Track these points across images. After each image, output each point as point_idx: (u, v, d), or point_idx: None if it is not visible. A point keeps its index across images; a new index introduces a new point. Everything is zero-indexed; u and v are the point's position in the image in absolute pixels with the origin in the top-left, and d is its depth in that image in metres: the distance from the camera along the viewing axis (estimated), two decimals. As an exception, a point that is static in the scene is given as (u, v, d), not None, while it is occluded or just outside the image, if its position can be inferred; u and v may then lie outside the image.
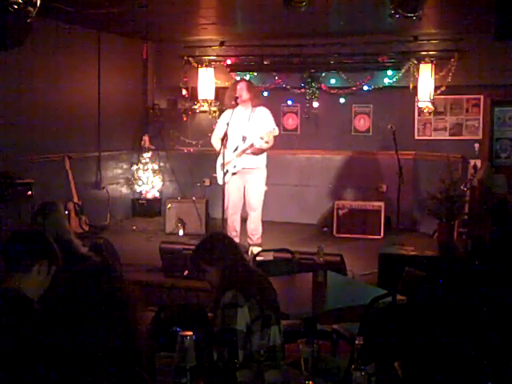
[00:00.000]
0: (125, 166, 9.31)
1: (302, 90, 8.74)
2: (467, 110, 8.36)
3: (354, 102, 8.80)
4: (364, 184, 8.74)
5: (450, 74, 7.96)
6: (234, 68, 8.89)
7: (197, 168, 9.17)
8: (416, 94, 8.13)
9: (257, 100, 6.88)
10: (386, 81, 8.38)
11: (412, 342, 2.88)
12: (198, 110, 9.16)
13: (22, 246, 2.69)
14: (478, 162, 7.75)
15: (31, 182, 6.55)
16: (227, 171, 6.55)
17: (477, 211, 5.91)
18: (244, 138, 6.68)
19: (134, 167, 9.38)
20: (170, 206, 8.26)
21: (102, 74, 8.49)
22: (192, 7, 6.96)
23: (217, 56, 8.95)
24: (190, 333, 2.20)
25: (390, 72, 8.34)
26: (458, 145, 8.24)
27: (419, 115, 8.48)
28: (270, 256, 5.06)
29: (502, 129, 8.56)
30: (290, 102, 9.05)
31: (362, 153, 8.81)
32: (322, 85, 8.67)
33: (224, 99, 7.11)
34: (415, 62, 8.11)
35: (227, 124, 6.32)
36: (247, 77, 8.51)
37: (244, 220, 6.96)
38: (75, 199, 7.74)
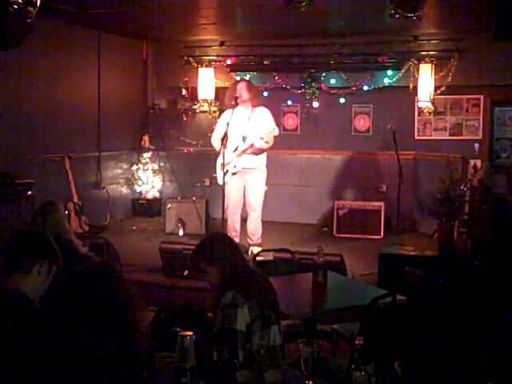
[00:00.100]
0: (125, 166, 9.31)
1: (302, 90, 8.74)
2: (467, 110, 8.36)
3: (354, 102, 8.80)
4: (364, 184, 8.74)
5: (450, 74, 7.96)
6: (234, 68, 8.89)
7: (197, 168, 9.17)
8: (416, 94, 8.13)
9: (257, 100, 6.88)
10: (386, 81, 8.38)
11: (412, 342, 2.88)
12: (198, 110, 9.16)
13: (23, 246, 2.69)
14: (478, 162, 7.74)
15: (31, 182, 6.55)
16: (227, 171, 6.55)
17: (477, 211, 5.91)
18: (244, 138, 6.68)
19: (134, 167, 9.38)
20: (169, 205, 8.26)
21: (101, 74, 8.48)
22: (192, 7, 6.96)
23: (217, 56, 8.95)
24: (190, 333, 2.20)
25: (390, 72, 8.34)
26: (458, 145, 8.24)
27: (419, 115, 8.48)
28: (270, 256, 5.06)
29: (502, 129, 8.56)
30: (290, 102, 9.05)
31: (362, 153, 8.81)
32: (322, 85, 8.67)
33: (224, 99, 7.11)
34: (415, 61, 8.11)
35: (227, 124, 6.32)
36: (247, 77, 8.51)
37: (244, 220, 6.96)
38: (75, 199, 7.74)
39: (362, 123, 8.88)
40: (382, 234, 8.09)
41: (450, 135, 8.43)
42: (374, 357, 2.39)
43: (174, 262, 6.03)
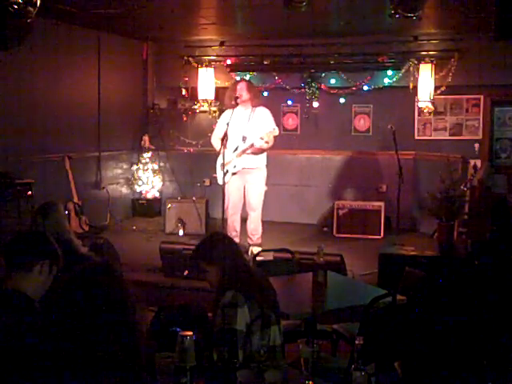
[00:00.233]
0: (125, 166, 9.31)
1: (302, 90, 8.75)
2: (467, 110, 8.36)
3: (354, 102, 8.80)
4: (364, 184, 8.74)
5: (450, 74, 7.97)
6: (234, 68, 8.89)
7: (197, 168, 9.17)
8: (416, 94, 8.14)
9: (257, 100, 6.87)
10: (386, 81, 8.38)
11: (412, 342, 2.88)
12: (198, 110, 9.16)
13: (24, 246, 2.69)
14: (478, 162, 7.75)
15: (31, 182, 6.55)
16: (227, 171, 6.55)
17: (477, 211, 5.92)
18: (244, 138, 6.68)
19: (134, 167, 9.38)
20: (169, 205, 8.26)
21: (102, 74, 8.48)
22: (192, 7, 6.96)
23: (217, 56, 8.95)
24: (190, 333, 2.20)
25: (390, 72, 8.35)
26: (458, 145, 8.25)
27: (419, 115, 8.48)
28: (270, 256, 5.06)
29: (502, 129, 8.57)
30: (290, 102, 9.05)
31: (362, 153, 8.81)
32: (322, 85, 8.67)
33: (224, 99, 7.11)
34: (415, 62, 8.12)
35: (227, 124, 6.32)
36: (247, 77, 8.51)
37: (244, 220, 6.96)
38: (75, 199, 7.74)
39: (361, 123, 8.88)
40: (382, 234, 8.09)
41: (450, 135, 8.43)
42: (374, 357, 2.39)
43: (173, 261, 6.03)
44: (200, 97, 8.89)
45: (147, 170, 9.34)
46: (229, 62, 8.89)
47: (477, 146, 8.27)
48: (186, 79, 9.04)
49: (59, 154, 7.70)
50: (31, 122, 7.13)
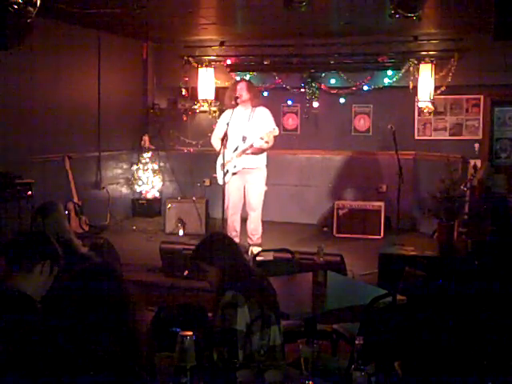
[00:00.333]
0: (125, 166, 9.31)
1: (302, 90, 8.75)
2: (467, 110, 8.36)
3: (354, 102, 8.80)
4: (364, 184, 8.74)
5: (450, 74, 7.97)
6: (234, 68, 8.89)
7: (197, 168, 9.16)
8: (416, 94, 8.14)
9: (257, 100, 6.87)
10: (386, 81, 8.38)
11: (412, 342, 2.88)
12: (198, 110, 9.16)
13: (25, 246, 2.70)
14: (478, 162, 7.75)
15: (31, 182, 6.55)
16: (227, 171, 6.55)
17: (477, 211, 5.91)
18: (244, 138, 6.68)
19: (134, 167, 9.38)
20: (169, 205, 8.26)
21: (102, 74, 8.48)
22: (192, 7, 6.96)
23: (217, 56, 8.95)
24: (190, 333, 2.20)
25: (390, 72, 8.35)
26: (458, 145, 8.25)
27: (419, 115, 8.48)
28: (270, 256, 5.06)
29: (502, 129, 8.57)
30: (290, 102, 9.05)
31: (362, 153, 8.81)
32: (322, 85, 8.67)
33: (224, 99, 7.11)
34: (415, 62, 8.11)
35: (227, 124, 6.32)
36: (247, 77, 8.51)
37: (244, 220, 6.96)
38: (75, 199, 7.74)
39: (362, 123, 8.88)
40: (381, 234, 8.09)
41: (450, 135, 8.43)
42: (374, 357, 2.39)
43: (173, 261, 6.03)
44: (200, 97, 8.89)
45: (147, 170, 9.34)
46: (229, 61, 8.88)
47: (477, 146, 8.27)
48: (186, 79, 9.04)
49: (59, 154, 7.70)
50: (31, 122, 7.13)
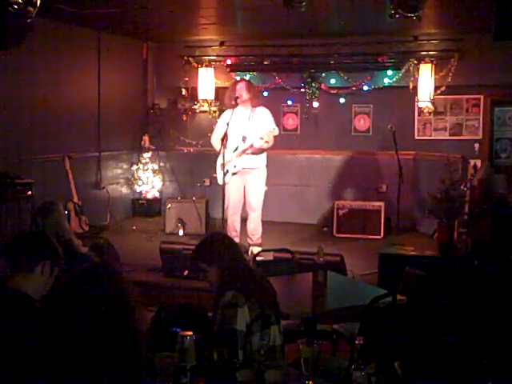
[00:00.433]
0: (125, 166, 9.31)
1: (302, 90, 8.75)
2: (467, 110, 8.36)
3: (354, 102, 8.80)
4: (364, 184, 8.74)
5: (450, 74, 7.97)
6: (234, 68, 8.89)
7: (197, 168, 9.16)
8: (416, 94, 8.14)
9: (257, 100, 6.87)
10: (386, 81, 8.38)
11: (412, 342, 2.88)
12: (198, 110, 9.16)
13: (26, 247, 2.70)
14: (478, 162, 7.75)
15: (31, 182, 6.55)
16: (227, 171, 6.55)
17: (477, 211, 5.91)
18: (244, 138, 6.68)
19: (134, 167, 9.38)
20: (169, 205, 8.26)
21: (102, 74, 8.48)
22: (192, 7, 6.96)
23: (217, 56, 8.95)
24: (190, 333, 2.20)
25: (390, 72, 8.35)
26: (458, 145, 8.25)
27: (419, 115, 8.48)
28: (270, 256, 5.06)
29: (502, 129, 8.57)
30: (290, 102, 9.05)
31: (361, 153, 8.81)
32: (322, 85, 8.67)
33: (224, 99, 7.11)
34: (415, 61, 8.11)
35: (227, 124, 6.32)
36: (247, 77, 8.51)
37: (244, 220, 6.96)
38: (75, 199, 7.74)
39: (362, 123, 8.88)
40: (382, 234, 8.09)
41: (450, 135, 8.43)
42: (374, 357, 2.39)
43: (173, 261, 6.03)
44: (200, 97, 8.89)
45: (147, 170, 9.34)
46: (229, 61, 8.89)
47: (477, 146, 8.27)
48: (186, 79, 9.04)
49: (59, 154, 7.70)
50: (31, 122, 7.13)
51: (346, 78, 8.55)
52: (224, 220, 6.48)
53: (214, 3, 7.05)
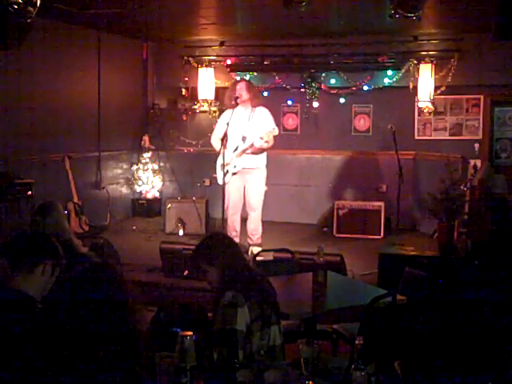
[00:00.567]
0: (125, 166, 9.31)
1: (302, 90, 8.75)
2: (467, 110, 8.36)
3: (354, 102, 8.80)
4: (364, 184, 8.74)
5: (450, 74, 7.97)
6: (234, 68, 8.89)
7: (197, 168, 9.16)
8: (416, 94, 8.14)
9: (256, 100, 6.87)
10: (386, 81, 8.38)
11: (412, 342, 2.88)
12: (198, 110, 9.16)
13: (27, 247, 2.70)
14: (478, 162, 7.75)
15: (31, 182, 6.54)
16: (227, 171, 6.55)
17: (477, 211, 5.91)
18: (244, 138, 6.68)
19: (134, 167, 9.38)
20: (169, 205, 8.26)
21: (102, 74, 8.48)
22: (192, 7, 6.96)
23: (217, 56, 8.95)
24: (190, 333, 2.20)
25: (390, 72, 8.35)
26: (458, 145, 8.25)
27: (419, 115, 8.48)
28: (270, 256, 5.06)
29: (502, 129, 8.56)
30: (290, 102, 9.05)
31: (362, 153, 8.81)
32: (322, 85, 8.67)
33: (224, 99, 7.11)
34: (415, 62, 8.11)
35: (227, 124, 6.32)
36: (247, 77, 8.51)
37: (244, 220, 6.96)
38: (75, 199, 7.74)
39: (362, 123, 8.88)
40: (381, 234, 8.09)
41: (450, 135, 8.43)
42: (374, 357, 2.39)
43: (173, 261, 6.03)
44: (200, 97, 8.89)
45: (147, 170, 9.34)
46: (229, 61, 8.89)
47: (477, 145, 8.27)
48: (186, 79, 9.04)
49: (59, 154, 7.70)
50: (31, 122, 7.13)
51: (345, 78, 8.55)
52: (224, 220, 6.48)
53: (214, 3, 7.05)
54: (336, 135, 8.96)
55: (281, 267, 4.53)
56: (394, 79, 8.33)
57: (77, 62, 7.98)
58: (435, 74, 8.00)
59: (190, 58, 8.97)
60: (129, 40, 8.96)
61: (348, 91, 8.61)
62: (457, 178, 6.61)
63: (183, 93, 9.12)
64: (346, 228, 8.26)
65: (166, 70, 9.45)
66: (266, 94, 8.65)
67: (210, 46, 8.97)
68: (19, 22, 4.65)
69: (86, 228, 7.71)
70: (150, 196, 9.39)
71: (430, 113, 8.31)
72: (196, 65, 8.93)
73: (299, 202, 9.02)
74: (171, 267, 6.05)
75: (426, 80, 8.00)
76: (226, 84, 8.29)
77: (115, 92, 8.86)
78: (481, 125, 8.30)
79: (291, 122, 9.15)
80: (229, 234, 5.96)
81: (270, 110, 6.89)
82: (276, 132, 6.69)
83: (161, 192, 9.49)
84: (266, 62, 8.71)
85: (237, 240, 6.02)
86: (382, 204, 8.19)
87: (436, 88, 8.05)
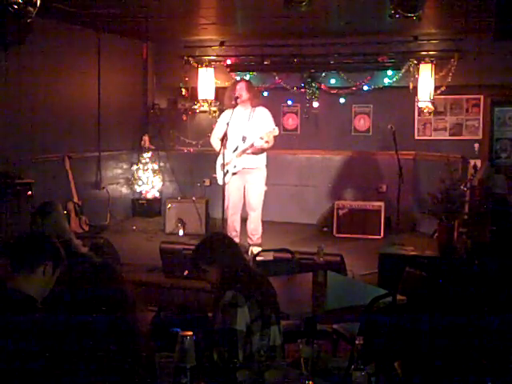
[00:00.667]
0: (125, 166, 9.31)
1: (302, 90, 8.74)
2: (467, 110, 8.36)
3: (354, 102, 8.80)
4: (364, 184, 8.74)
5: (450, 74, 7.96)
6: (234, 68, 8.89)
7: (197, 168, 9.16)
8: (416, 94, 8.13)
9: (256, 100, 6.87)
10: (386, 81, 8.38)
11: (412, 342, 2.88)
12: (198, 110, 9.16)
13: (28, 247, 2.70)
14: (478, 162, 7.74)
15: (31, 182, 6.54)
16: (227, 171, 6.55)
17: (477, 211, 5.91)
18: (244, 138, 6.68)
19: (134, 167, 9.38)
20: (169, 205, 8.26)
21: (102, 74, 8.48)
22: (192, 7, 6.96)
23: (217, 56, 8.95)
24: (190, 333, 2.20)
25: (389, 72, 8.34)
26: (458, 145, 8.24)
27: (419, 115, 8.48)
28: (270, 256, 5.06)
29: (502, 129, 8.56)
30: (290, 102, 9.05)
31: (362, 153, 8.81)
32: (322, 85, 8.67)
33: (224, 99, 7.10)
34: (415, 62, 8.11)
35: (227, 124, 6.32)
36: (247, 77, 8.51)
37: (244, 220, 6.96)
38: (75, 199, 7.74)
39: (362, 123, 8.88)
40: (381, 234, 8.09)
41: (450, 135, 8.43)
42: (374, 357, 2.39)
43: (173, 261, 6.02)
44: (200, 97, 8.89)
45: (147, 170, 9.34)
46: (229, 62, 8.88)
47: (477, 146, 8.27)
48: (186, 79, 9.04)
49: (59, 154, 7.70)
50: (31, 122, 7.13)
51: (345, 78, 8.55)
52: (224, 220, 6.48)
53: (214, 3, 7.05)
54: (336, 135, 8.96)
55: (281, 267, 4.53)
56: (394, 79, 8.33)
57: (77, 61, 7.98)
58: (435, 74, 7.99)
59: (190, 58, 8.97)
60: (129, 40, 8.96)
61: (348, 91, 8.61)
62: (457, 178, 6.61)
63: (183, 93, 9.12)
64: (345, 228, 8.25)
65: (166, 70, 9.45)
66: (265, 93, 8.65)
67: (210, 46, 8.97)
68: (19, 22, 4.65)
69: (86, 228, 7.72)
70: (149, 196, 9.39)
71: (430, 113, 8.31)
72: (196, 65, 8.93)
73: (299, 202, 9.02)
74: (171, 267, 6.05)
75: (425, 80, 8.00)
76: (226, 84, 8.29)
77: (115, 92, 8.86)
78: (481, 125, 8.30)
79: (291, 122, 9.15)
80: (229, 234, 5.96)
81: (270, 110, 6.89)
82: (276, 132, 6.69)
83: (161, 192, 9.49)
84: (266, 62, 8.70)
85: (237, 240, 6.02)
86: (381, 204, 8.19)
87: (436, 88, 8.05)
